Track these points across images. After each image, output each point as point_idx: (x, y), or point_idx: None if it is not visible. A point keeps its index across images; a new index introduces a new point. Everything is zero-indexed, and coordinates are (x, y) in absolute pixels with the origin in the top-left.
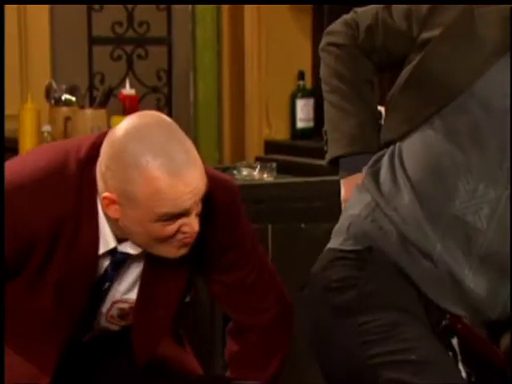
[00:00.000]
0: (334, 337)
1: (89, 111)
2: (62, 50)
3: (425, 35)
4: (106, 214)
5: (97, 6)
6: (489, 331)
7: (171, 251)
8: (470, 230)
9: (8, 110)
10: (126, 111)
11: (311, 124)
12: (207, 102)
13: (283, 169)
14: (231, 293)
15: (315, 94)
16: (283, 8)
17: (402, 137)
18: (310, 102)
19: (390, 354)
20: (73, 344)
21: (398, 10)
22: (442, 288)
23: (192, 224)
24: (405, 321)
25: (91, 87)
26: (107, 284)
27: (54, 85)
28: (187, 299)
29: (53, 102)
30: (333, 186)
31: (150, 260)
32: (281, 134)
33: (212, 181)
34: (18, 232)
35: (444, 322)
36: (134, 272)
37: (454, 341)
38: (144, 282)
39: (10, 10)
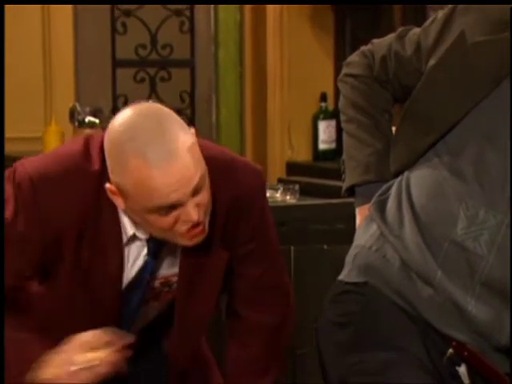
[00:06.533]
0: (334, 372)
1: None
2: (85, 73)
3: (430, 64)
4: None
5: (121, 29)
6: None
7: (180, 240)
8: (470, 257)
9: (32, 132)
10: None
11: (333, 146)
12: (229, 123)
13: (305, 190)
14: (250, 287)
15: (337, 115)
16: (306, 30)
17: (409, 166)
18: (332, 123)
19: None
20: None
21: (410, 41)
22: (445, 314)
23: (189, 213)
24: (397, 362)
25: (115, 109)
26: (148, 275)
27: (78, 107)
28: None
29: (77, 124)
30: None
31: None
32: (303, 155)
33: (242, 165)
34: (46, 226)
35: (449, 352)
36: (170, 255)
37: (462, 369)
38: (183, 264)
39: (34, 32)
